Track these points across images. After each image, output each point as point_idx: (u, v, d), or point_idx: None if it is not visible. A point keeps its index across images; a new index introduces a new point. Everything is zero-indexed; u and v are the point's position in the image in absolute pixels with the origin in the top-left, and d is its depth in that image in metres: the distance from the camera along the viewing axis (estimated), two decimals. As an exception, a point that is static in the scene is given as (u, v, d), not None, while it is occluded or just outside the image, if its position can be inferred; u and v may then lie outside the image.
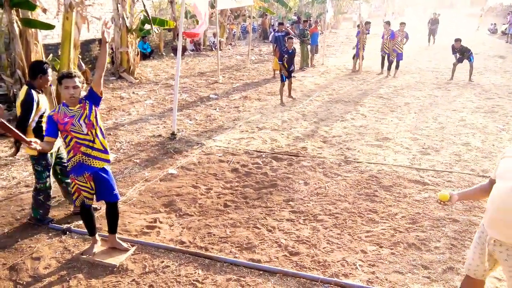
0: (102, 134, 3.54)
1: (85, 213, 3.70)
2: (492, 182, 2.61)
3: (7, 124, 3.03)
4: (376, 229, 4.22)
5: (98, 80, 3.49)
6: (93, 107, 3.47)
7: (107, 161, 3.57)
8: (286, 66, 9.54)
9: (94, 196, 3.63)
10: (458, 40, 12.38)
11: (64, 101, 3.45)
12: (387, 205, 4.73)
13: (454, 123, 7.97)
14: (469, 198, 2.84)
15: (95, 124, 3.44)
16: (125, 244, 3.83)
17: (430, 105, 9.44)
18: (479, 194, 2.83)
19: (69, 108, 3.40)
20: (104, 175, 3.55)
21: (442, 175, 5.52)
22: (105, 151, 3.53)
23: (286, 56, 9.55)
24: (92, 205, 3.76)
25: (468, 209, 4.62)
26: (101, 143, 3.49)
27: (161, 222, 4.34)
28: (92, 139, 3.43)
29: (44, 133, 3.48)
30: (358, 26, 14.33)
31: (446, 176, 5.48)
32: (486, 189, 2.66)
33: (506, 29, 26.07)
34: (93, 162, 3.47)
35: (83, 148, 3.42)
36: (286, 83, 9.80)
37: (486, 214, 2.58)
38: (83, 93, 3.59)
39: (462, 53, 12.33)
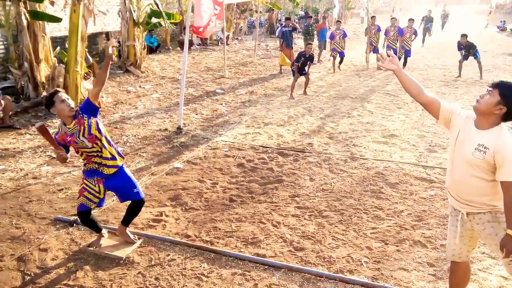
0: (109, 143, 3.51)
1: (84, 219, 3.60)
2: (434, 101, 2.64)
3: (46, 128, 3.16)
4: (382, 226, 4.21)
5: (96, 94, 3.40)
6: (92, 120, 3.38)
7: (117, 166, 3.54)
8: (300, 67, 9.71)
9: (98, 200, 3.57)
10: (464, 36, 12.28)
11: (62, 120, 3.38)
12: (393, 202, 4.71)
13: (462, 121, 7.91)
14: (401, 77, 2.71)
15: (98, 135, 3.38)
16: (132, 236, 3.86)
17: (438, 102, 9.37)
18: (410, 85, 2.73)
19: (67, 126, 3.33)
20: (117, 178, 3.54)
21: (449, 173, 5.49)
22: (113, 158, 3.51)
23: (302, 59, 9.70)
24: (91, 209, 3.65)
25: (475, 207, 4.59)
26: (108, 152, 3.46)
27: (167, 216, 4.36)
28: (99, 149, 3.41)
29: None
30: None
31: (453, 174, 5.45)
32: (420, 91, 2.68)
33: (515, 26, 25.82)
34: (104, 169, 3.48)
35: (94, 159, 3.44)
36: (301, 77, 9.93)
37: (448, 191, 2.72)
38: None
39: (468, 49, 12.21)
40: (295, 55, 10.58)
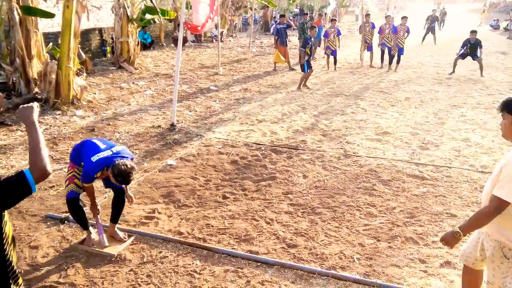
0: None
1: (74, 207, 3.54)
2: None
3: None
4: (374, 223, 4.23)
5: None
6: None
7: None
8: (309, 52, 10.28)
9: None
10: (473, 32, 12.48)
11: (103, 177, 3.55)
12: (386, 199, 4.73)
13: (454, 118, 7.95)
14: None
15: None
16: (121, 234, 3.82)
17: (431, 100, 9.42)
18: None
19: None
20: None
21: (441, 170, 5.52)
22: None
23: (310, 43, 10.33)
24: (80, 199, 3.67)
25: (467, 204, 4.62)
26: None
27: (159, 213, 4.35)
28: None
29: None
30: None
31: (445, 171, 5.48)
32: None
33: (508, 25, 25.97)
34: None
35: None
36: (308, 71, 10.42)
37: None
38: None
39: (474, 47, 12.24)
40: (290, 52, 10.62)
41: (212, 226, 4.12)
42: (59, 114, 7.74)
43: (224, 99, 9.36)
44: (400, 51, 13.10)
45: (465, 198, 4.76)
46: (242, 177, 5.31)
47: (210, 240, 3.88)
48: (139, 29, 13.90)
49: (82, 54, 11.01)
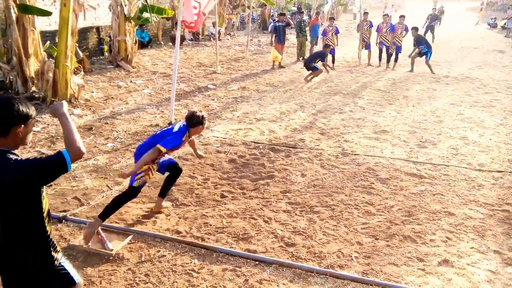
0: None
1: (131, 196, 3.92)
2: None
3: None
4: (372, 221, 4.23)
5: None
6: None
7: None
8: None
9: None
10: (414, 29, 12.41)
11: (193, 134, 4.24)
12: (384, 198, 4.74)
13: (452, 116, 7.97)
14: None
15: None
16: (165, 203, 4.42)
17: (428, 98, 9.43)
18: None
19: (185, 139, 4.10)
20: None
21: (439, 169, 5.53)
22: None
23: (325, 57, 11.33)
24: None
25: (464, 202, 4.64)
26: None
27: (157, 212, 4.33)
28: None
29: None
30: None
31: (443, 170, 5.50)
32: None
33: (505, 23, 26.03)
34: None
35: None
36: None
37: None
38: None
39: (417, 43, 12.30)
40: (287, 51, 10.66)
41: (210, 225, 4.12)
42: (56, 113, 7.70)
43: (222, 97, 9.34)
44: (398, 49, 13.12)
45: (463, 196, 4.77)
46: (240, 176, 5.31)
47: (208, 239, 3.88)
48: (136, 27, 13.85)
49: (80, 52, 10.96)
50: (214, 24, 17.15)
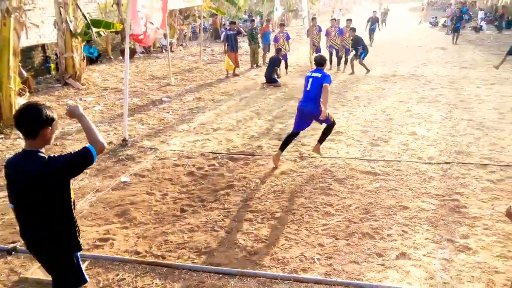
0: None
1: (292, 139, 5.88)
2: None
3: None
4: (332, 222, 4.31)
5: None
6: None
7: None
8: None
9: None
10: (352, 30, 12.75)
11: None
12: (342, 197, 4.85)
13: (401, 113, 8.31)
14: None
15: None
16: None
17: (378, 97, 9.79)
18: None
19: None
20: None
21: (392, 165, 5.74)
22: None
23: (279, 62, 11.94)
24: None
25: (417, 195, 4.83)
26: None
27: (114, 234, 4.19)
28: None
29: None
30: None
31: (396, 166, 5.71)
32: None
33: (445, 21, 27.64)
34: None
35: None
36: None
37: None
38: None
39: (355, 44, 12.64)
40: (240, 58, 10.75)
41: (171, 241, 4.03)
42: (1, 138, 7.31)
43: (178, 109, 9.23)
44: (347, 52, 13.55)
45: (415, 189, 4.98)
46: (200, 188, 5.25)
47: (170, 256, 3.79)
48: (84, 43, 13.45)
49: (24, 72, 10.49)
50: (165, 35, 16.97)
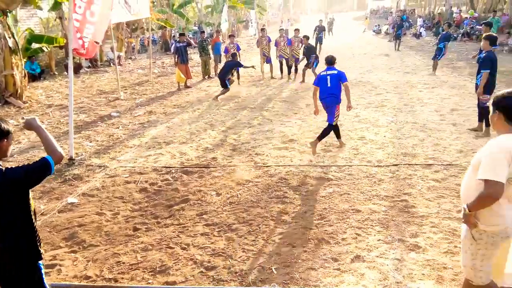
0: None
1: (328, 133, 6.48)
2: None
3: None
4: (288, 230, 4.33)
5: None
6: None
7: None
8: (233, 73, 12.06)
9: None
10: (305, 37, 13.04)
11: None
12: (297, 205, 4.89)
13: (350, 119, 8.58)
14: None
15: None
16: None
17: (329, 104, 10.04)
18: None
19: None
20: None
21: (343, 169, 5.89)
22: None
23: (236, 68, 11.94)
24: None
25: (368, 198, 4.98)
26: None
27: (62, 259, 3.95)
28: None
29: None
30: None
31: (347, 170, 5.86)
32: None
33: (387, 29, 29.13)
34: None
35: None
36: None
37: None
38: None
39: (308, 52, 12.88)
40: (191, 70, 10.66)
41: (124, 263, 3.86)
42: None
43: (128, 124, 8.97)
44: (296, 61, 13.85)
45: (366, 192, 5.13)
46: (153, 205, 5.10)
47: (122, 278, 3.63)
48: (25, 59, 12.79)
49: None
50: (112, 49, 16.50)
